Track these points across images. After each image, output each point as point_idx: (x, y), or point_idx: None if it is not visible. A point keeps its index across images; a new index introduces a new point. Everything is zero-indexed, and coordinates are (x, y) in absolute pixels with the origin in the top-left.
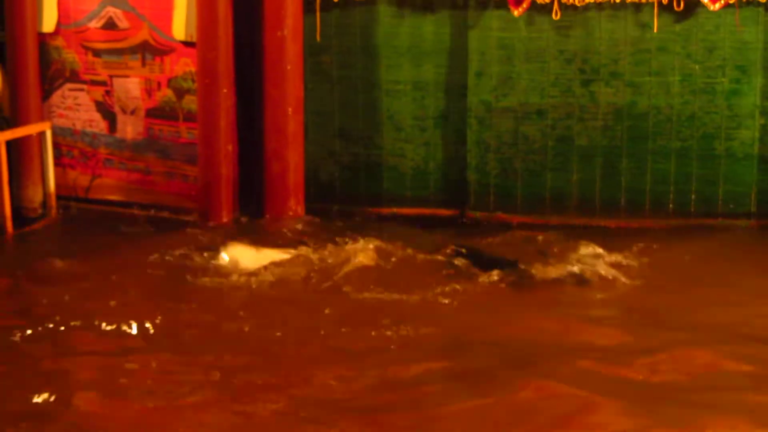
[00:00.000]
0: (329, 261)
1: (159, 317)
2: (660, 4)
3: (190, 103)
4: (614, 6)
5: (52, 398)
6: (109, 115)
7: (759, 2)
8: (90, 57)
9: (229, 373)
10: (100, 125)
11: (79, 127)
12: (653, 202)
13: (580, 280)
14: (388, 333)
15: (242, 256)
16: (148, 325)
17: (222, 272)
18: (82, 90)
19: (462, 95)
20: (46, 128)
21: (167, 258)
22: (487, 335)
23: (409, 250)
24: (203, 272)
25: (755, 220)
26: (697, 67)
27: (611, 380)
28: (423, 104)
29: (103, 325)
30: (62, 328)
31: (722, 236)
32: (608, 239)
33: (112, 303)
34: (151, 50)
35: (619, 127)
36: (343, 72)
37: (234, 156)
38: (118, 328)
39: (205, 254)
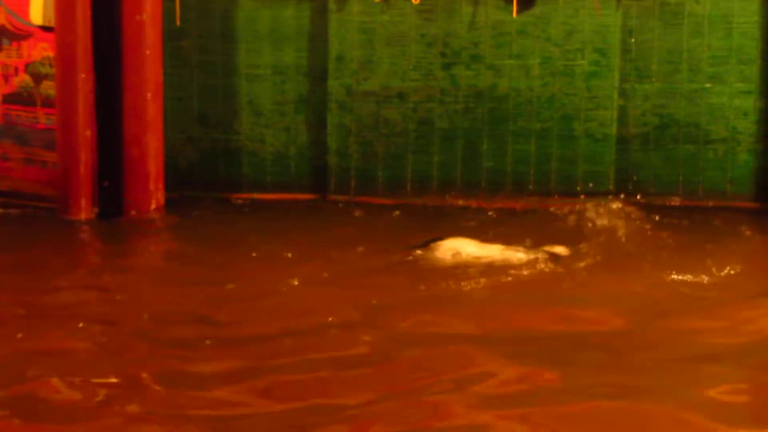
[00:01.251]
0: None
1: None
2: None
3: (49, 88)
4: None
5: None
6: None
7: None
8: None
9: None
10: None
11: None
12: (514, 183)
13: None
14: None
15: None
16: None
17: None
18: None
19: (322, 79)
20: None
21: None
22: None
23: None
24: None
25: (613, 198)
26: (556, 49)
27: None
28: (283, 89)
29: None
30: None
31: None
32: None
33: None
34: (8, 35)
35: (480, 110)
36: (203, 57)
37: (93, 141)
38: None
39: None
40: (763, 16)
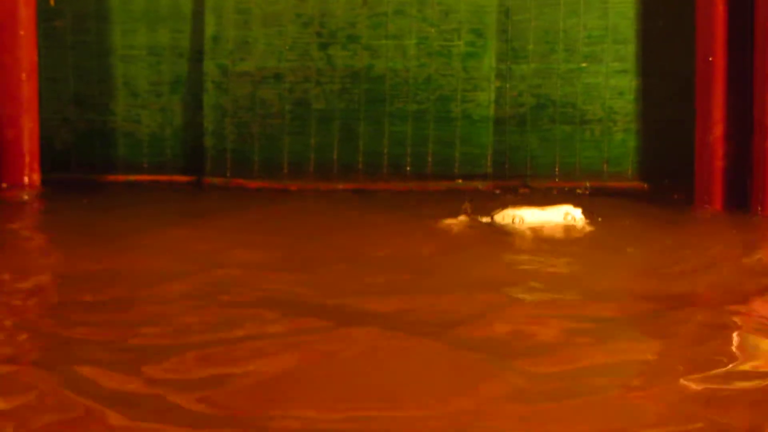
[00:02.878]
0: None
1: None
2: None
3: None
4: None
5: None
6: None
7: None
8: None
9: None
10: None
11: None
12: (390, 165)
13: None
14: None
15: None
16: None
17: None
18: None
19: (198, 60)
20: None
21: None
22: None
23: None
24: None
25: (491, 181)
26: (433, 30)
27: None
28: (159, 69)
29: None
30: None
31: None
32: None
33: None
34: None
35: (356, 90)
36: (78, 37)
37: None
38: None
39: None
40: None
